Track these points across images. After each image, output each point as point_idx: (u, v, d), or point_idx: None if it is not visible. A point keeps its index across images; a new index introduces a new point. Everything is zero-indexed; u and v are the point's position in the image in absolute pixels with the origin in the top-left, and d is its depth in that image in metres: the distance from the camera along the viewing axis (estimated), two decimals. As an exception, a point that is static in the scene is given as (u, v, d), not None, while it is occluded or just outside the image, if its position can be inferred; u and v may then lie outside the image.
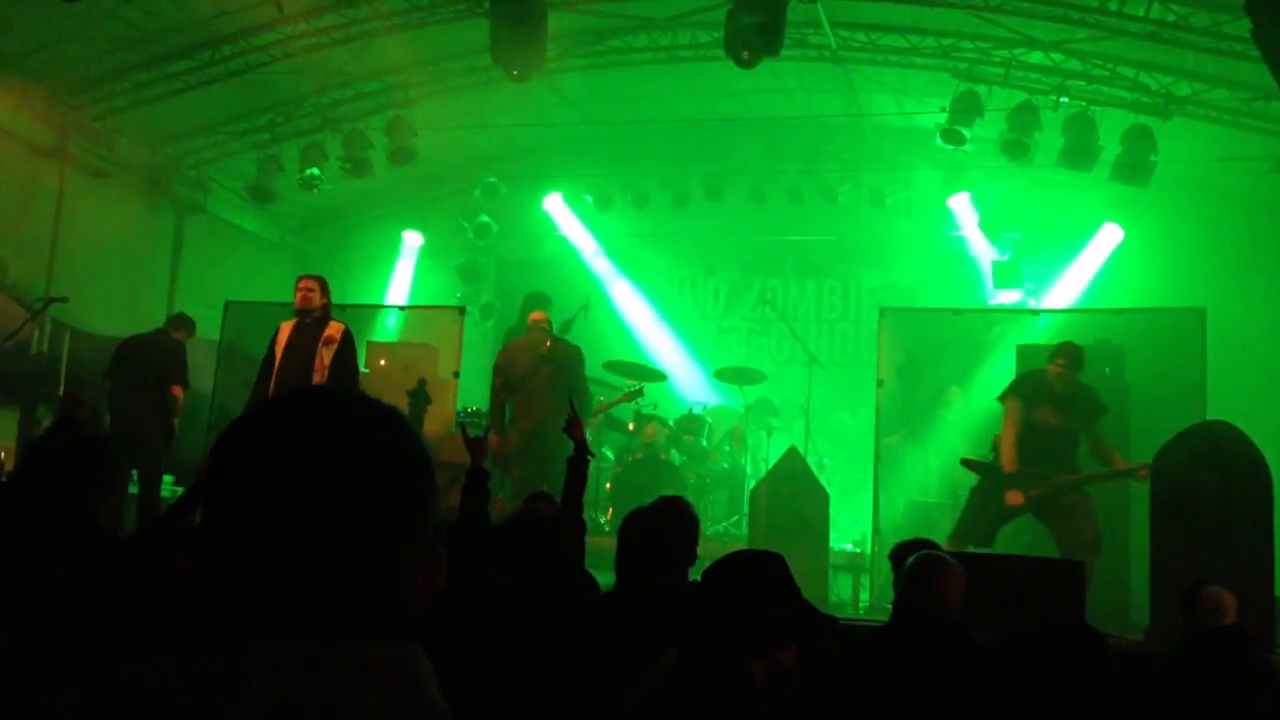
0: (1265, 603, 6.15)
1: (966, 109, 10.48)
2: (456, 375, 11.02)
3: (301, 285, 8.56)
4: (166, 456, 9.49)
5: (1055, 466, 7.81)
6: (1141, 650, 6.10)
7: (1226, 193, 11.57)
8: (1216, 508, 6.28)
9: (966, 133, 10.57)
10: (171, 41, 10.91)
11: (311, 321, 8.47)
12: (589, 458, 5.36)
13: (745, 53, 9.83)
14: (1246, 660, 4.47)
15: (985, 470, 8.03)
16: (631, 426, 11.04)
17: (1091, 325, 10.22)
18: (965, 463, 8.22)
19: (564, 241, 14.37)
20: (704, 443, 11.10)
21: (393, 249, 14.99)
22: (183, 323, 9.87)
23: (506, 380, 9.14)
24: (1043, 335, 10.47)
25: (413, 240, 14.91)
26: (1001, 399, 8.10)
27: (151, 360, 9.43)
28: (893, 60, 11.15)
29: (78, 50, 10.73)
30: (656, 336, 13.88)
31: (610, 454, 11.32)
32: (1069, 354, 7.93)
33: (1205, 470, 6.37)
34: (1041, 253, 12.68)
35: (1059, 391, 7.88)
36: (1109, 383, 9.31)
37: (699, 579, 3.74)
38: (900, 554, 4.55)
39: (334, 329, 8.50)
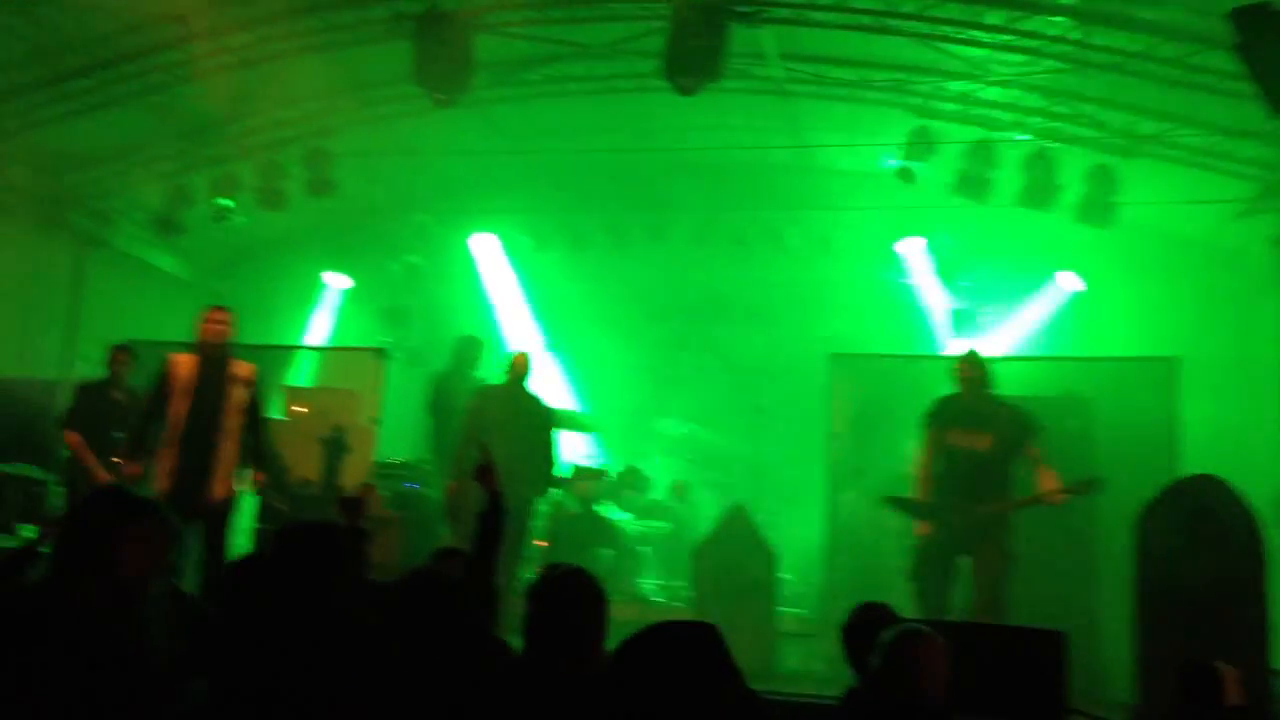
0: (1261, 676, 5.46)
1: (920, 145, 9.91)
2: (376, 422, 10.18)
3: (213, 317, 7.66)
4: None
5: (983, 494, 7.18)
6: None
7: (1189, 239, 11.10)
8: (1205, 574, 5.58)
9: (919, 170, 9.97)
10: (69, 59, 10.05)
11: (218, 359, 7.60)
12: (502, 512, 4.56)
13: (686, 79, 9.20)
14: None
15: (909, 507, 7.35)
16: (567, 479, 10.23)
17: (1056, 376, 9.69)
18: (889, 501, 7.55)
19: (496, 284, 13.61)
20: (644, 498, 10.30)
21: (316, 290, 14.13)
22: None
23: (477, 426, 8.35)
24: (1005, 385, 9.88)
25: (338, 282, 14.05)
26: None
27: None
28: (841, 94, 10.56)
29: (-36, 66, 9.86)
30: (593, 385, 13.10)
31: (543, 508, 10.50)
32: (969, 360, 7.45)
33: (1192, 533, 5.69)
34: (998, 302, 12.12)
35: (970, 407, 7.33)
36: (1075, 437, 8.76)
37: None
38: (857, 625, 3.81)
39: (244, 368, 7.64)
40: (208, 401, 7.37)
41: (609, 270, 13.20)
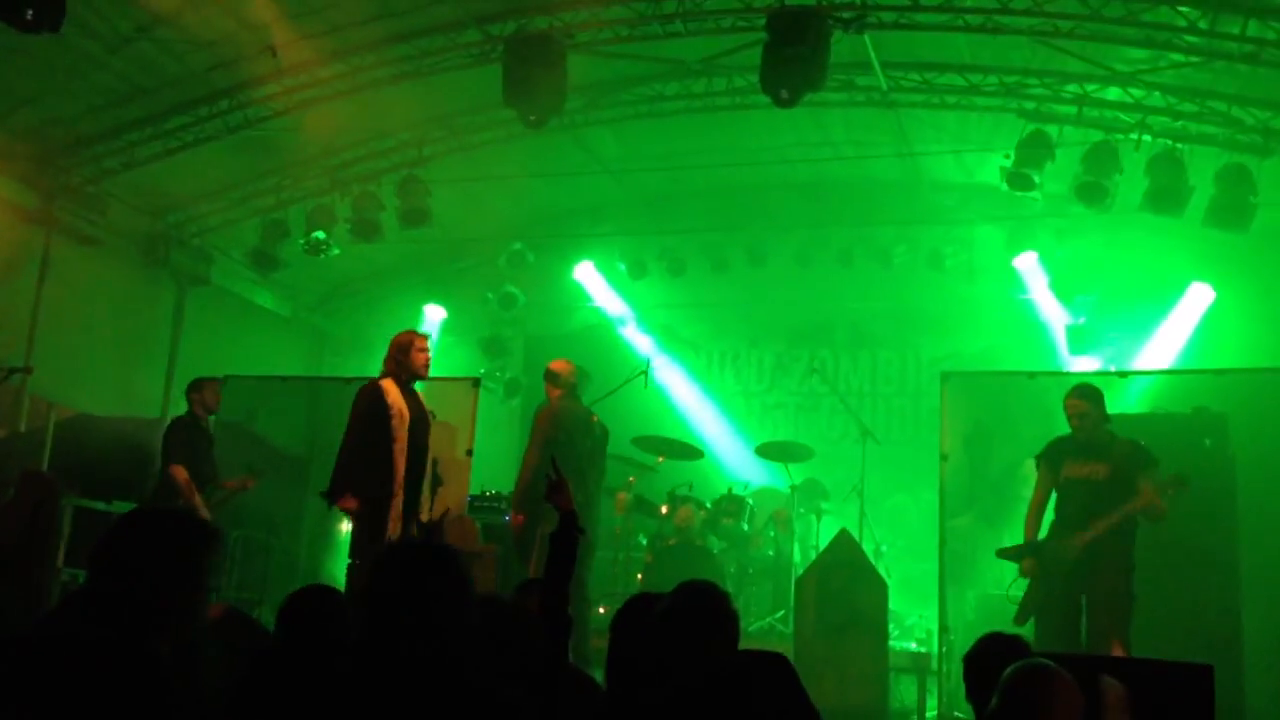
0: None
1: (1035, 150, 9.35)
2: (470, 454, 9.93)
3: (423, 344, 7.18)
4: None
5: (1093, 523, 6.66)
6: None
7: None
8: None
9: (1036, 177, 9.41)
10: (166, 97, 10.14)
11: (413, 390, 7.10)
12: (579, 535, 4.20)
13: (784, 91, 8.83)
14: None
15: (1018, 555, 6.83)
16: (665, 509, 9.85)
17: (1187, 390, 8.99)
18: (1001, 554, 7.00)
19: (596, 313, 13.35)
20: (745, 527, 9.85)
21: (415, 324, 14.04)
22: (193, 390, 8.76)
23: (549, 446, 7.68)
24: (1135, 403, 9.25)
25: (435, 314, 13.96)
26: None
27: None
28: (950, 102, 10.09)
29: (65, 107, 9.99)
30: (694, 412, 12.72)
31: (643, 540, 10.13)
32: (1081, 392, 6.92)
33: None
34: (1121, 316, 11.43)
35: (1082, 439, 6.84)
36: (1210, 455, 8.09)
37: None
38: (981, 656, 3.36)
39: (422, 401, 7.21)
40: (418, 436, 6.93)
41: (709, 294, 12.88)
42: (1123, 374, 9.55)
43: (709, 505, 9.90)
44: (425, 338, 7.28)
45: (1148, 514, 6.69)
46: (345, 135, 11.00)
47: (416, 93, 10.31)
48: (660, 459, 9.91)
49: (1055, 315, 11.62)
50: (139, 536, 2.65)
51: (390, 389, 6.90)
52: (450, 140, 11.27)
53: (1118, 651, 6.55)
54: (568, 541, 4.09)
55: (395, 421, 6.77)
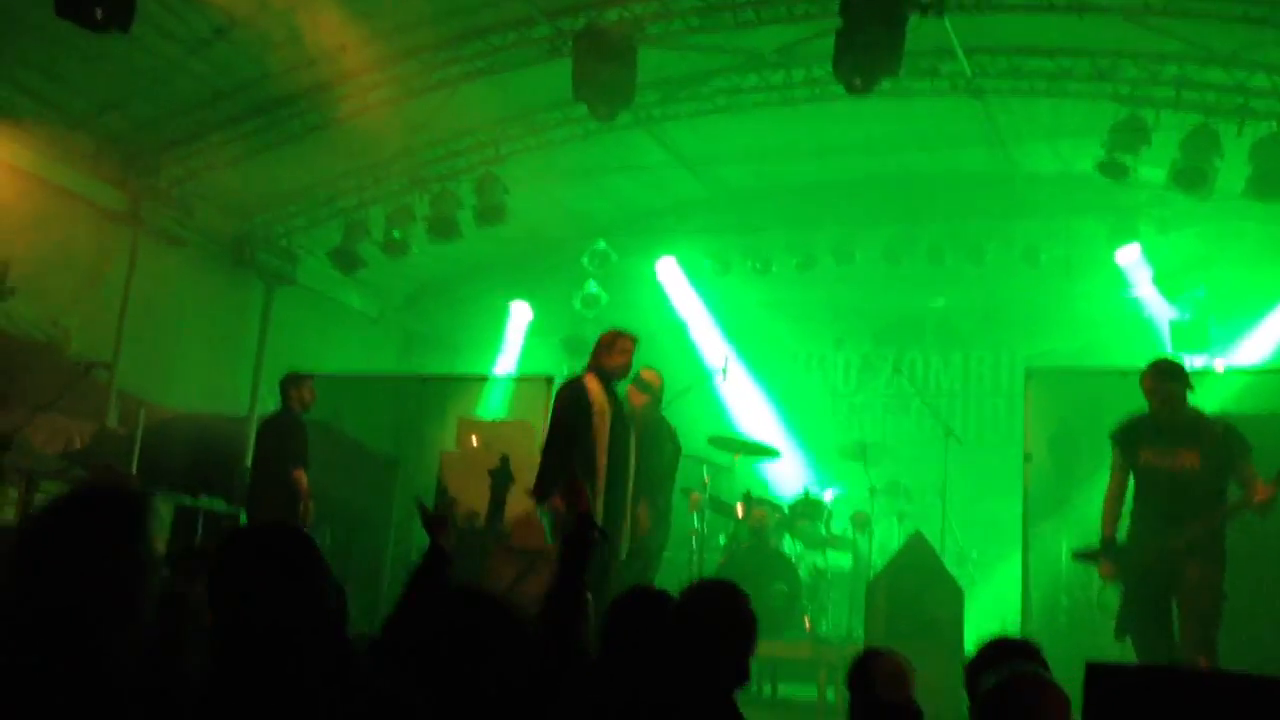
0: None
1: (1129, 136, 8.85)
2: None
3: (626, 344, 7.01)
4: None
5: (1187, 520, 6.08)
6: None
7: None
8: None
9: (1131, 163, 8.90)
10: (245, 98, 10.28)
11: (613, 392, 6.97)
12: (594, 536, 3.95)
13: (857, 78, 8.52)
14: None
15: (1095, 556, 6.34)
16: (740, 510, 9.59)
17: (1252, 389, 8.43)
18: (1078, 556, 6.55)
19: (678, 312, 13.17)
20: (822, 529, 9.54)
21: (501, 323, 14.06)
22: (291, 386, 8.82)
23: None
24: (1233, 401, 8.67)
25: (521, 313, 13.93)
26: None
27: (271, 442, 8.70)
28: (1040, 88, 9.60)
29: (149, 110, 10.20)
30: (777, 413, 12.43)
31: (722, 541, 9.89)
32: (1159, 368, 6.31)
33: None
34: (1229, 311, 10.78)
35: (1164, 422, 6.19)
36: (1315, 459, 7.51)
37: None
38: (985, 663, 3.09)
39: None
40: (620, 435, 6.81)
41: (795, 292, 12.58)
42: (1225, 371, 8.99)
43: (786, 508, 9.63)
44: (629, 338, 7.08)
45: (1260, 510, 6.00)
46: (423, 134, 11.00)
47: (492, 90, 10.28)
48: (736, 457, 9.66)
49: (1159, 311, 11.02)
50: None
51: (592, 385, 6.80)
52: (528, 138, 11.18)
53: (1204, 662, 6.09)
54: (584, 545, 3.87)
55: (597, 419, 6.64)
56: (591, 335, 13.23)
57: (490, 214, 10.87)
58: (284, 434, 8.65)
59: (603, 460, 6.60)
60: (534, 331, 13.80)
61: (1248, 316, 10.71)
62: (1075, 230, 11.31)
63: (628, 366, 6.98)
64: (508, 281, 13.93)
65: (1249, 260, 10.73)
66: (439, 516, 4.10)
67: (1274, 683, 4.60)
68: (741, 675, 3.32)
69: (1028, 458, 8.25)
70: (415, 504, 4.19)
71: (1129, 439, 6.42)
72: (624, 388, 7.33)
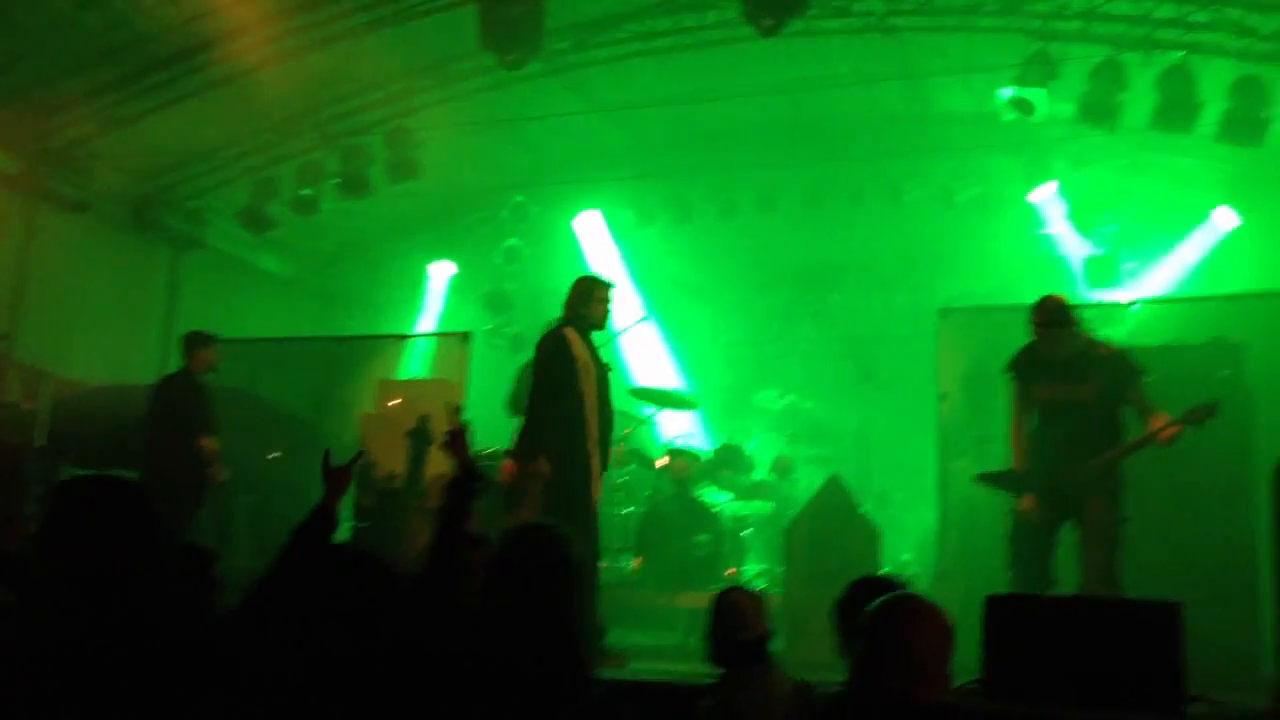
0: None
1: (1039, 70, 8.82)
2: (459, 411, 9.67)
3: (604, 293, 6.74)
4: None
5: (1088, 451, 6.21)
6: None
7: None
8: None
9: (1039, 101, 8.89)
10: (142, 53, 9.90)
11: (591, 343, 6.67)
12: (476, 486, 3.83)
13: (767, 18, 8.43)
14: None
15: (1003, 481, 6.44)
16: (662, 462, 9.54)
17: (1201, 319, 8.53)
18: (981, 479, 6.65)
19: (599, 264, 13.03)
20: (744, 478, 9.53)
21: (421, 282, 13.83)
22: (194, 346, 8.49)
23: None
24: (1144, 335, 8.78)
25: (443, 271, 13.70)
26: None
27: (166, 405, 8.34)
28: (951, 24, 9.55)
29: (41, 70, 9.79)
30: (696, 360, 12.37)
31: (647, 493, 9.84)
32: (1042, 309, 6.42)
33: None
34: (1144, 247, 10.87)
35: (1052, 356, 6.36)
36: (1227, 388, 7.62)
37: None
38: (853, 602, 3.07)
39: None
40: (604, 389, 6.55)
41: (716, 240, 12.47)
42: (1129, 304, 9.08)
43: (708, 457, 9.59)
44: (607, 286, 6.78)
45: (1166, 443, 6.18)
46: (330, 89, 10.72)
47: (399, 41, 10.01)
48: (653, 411, 9.59)
49: (1074, 248, 11.08)
50: None
51: (573, 338, 6.48)
52: (439, 89, 10.91)
53: (1107, 589, 6.15)
54: (464, 496, 3.74)
55: (582, 373, 6.38)
56: (514, 290, 13.20)
57: (402, 169, 10.63)
58: (181, 397, 8.36)
59: (592, 417, 6.36)
60: (455, 289, 13.59)
61: (1158, 249, 10.80)
62: (991, 169, 11.33)
63: (606, 317, 6.69)
64: (428, 240, 13.69)
65: (1159, 193, 10.82)
66: (339, 470, 3.90)
67: (1149, 606, 4.69)
68: (572, 623, 3.11)
69: (942, 397, 8.29)
70: (321, 459, 4.00)
71: (1024, 372, 6.56)
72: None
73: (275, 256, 13.07)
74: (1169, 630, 4.33)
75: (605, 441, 6.52)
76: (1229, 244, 10.40)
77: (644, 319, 10.11)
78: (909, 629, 2.52)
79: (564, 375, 6.37)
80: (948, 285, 11.46)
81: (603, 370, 6.61)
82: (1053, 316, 6.41)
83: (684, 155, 12.38)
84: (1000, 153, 11.12)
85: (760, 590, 3.81)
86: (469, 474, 3.77)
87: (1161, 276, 10.58)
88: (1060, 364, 6.34)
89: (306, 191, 10.76)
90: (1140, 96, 8.74)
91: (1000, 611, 4.62)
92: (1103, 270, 10.57)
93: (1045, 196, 11.05)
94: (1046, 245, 11.21)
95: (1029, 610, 4.72)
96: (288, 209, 11.26)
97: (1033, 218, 11.22)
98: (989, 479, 6.68)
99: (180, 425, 8.20)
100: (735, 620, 3.85)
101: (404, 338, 11.14)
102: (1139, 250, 10.76)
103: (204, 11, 9.45)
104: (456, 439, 3.92)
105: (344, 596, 2.61)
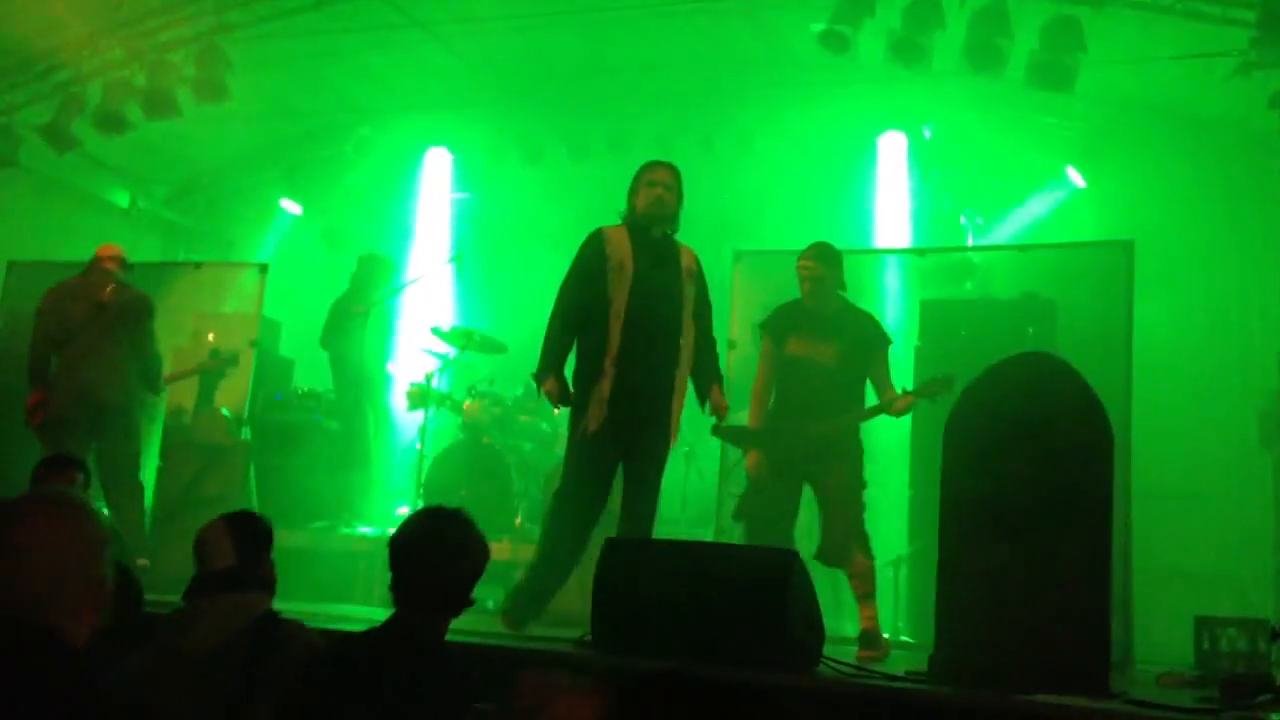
0: (1098, 635, 3.98)
1: (854, 7, 8.37)
2: (253, 345, 9.23)
3: (655, 175, 5.75)
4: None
5: (824, 413, 6.04)
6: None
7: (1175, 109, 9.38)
8: (1030, 490, 4.13)
9: (850, 34, 8.44)
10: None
11: (661, 241, 5.68)
12: None
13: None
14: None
15: (735, 436, 6.22)
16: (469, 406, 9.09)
17: (1012, 274, 8.26)
18: (716, 432, 6.34)
19: (449, 200, 12.56)
20: (545, 425, 9.12)
21: (270, 216, 13.29)
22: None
23: (49, 331, 7.32)
24: (980, 286, 8.53)
25: (291, 208, 13.15)
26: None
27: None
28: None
29: None
30: (516, 305, 11.90)
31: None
32: (815, 251, 6.24)
33: (1013, 429, 4.24)
34: (989, 202, 10.49)
35: (812, 308, 6.16)
36: (1032, 343, 7.40)
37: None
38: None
39: (689, 255, 5.83)
40: (652, 301, 5.49)
41: (568, 183, 11.96)
42: (920, 252, 8.73)
43: (509, 402, 9.17)
44: (661, 169, 5.77)
45: (896, 413, 6.17)
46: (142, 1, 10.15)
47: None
48: (451, 352, 9.14)
49: (904, 198, 10.69)
50: None
51: (615, 237, 5.60)
52: (258, 5, 10.32)
53: (860, 558, 5.95)
54: None
55: (613, 275, 5.45)
56: (356, 226, 12.66)
57: (209, 90, 10.01)
58: None
59: (615, 329, 5.38)
60: (300, 223, 13.05)
61: (1003, 204, 10.44)
62: (842, 115, 10.95)
63: (656, 203, 5.63)
64: (276, 173, 13.10)
65: (1013, 149, 10.45)
66: None
67: (765, 554, 4.34)
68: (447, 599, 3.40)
69: (732, 345, 7.90)
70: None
71: (779, 328, 6.32)
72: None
73: (111, 183, 12.49)
74: (779, 584, 3.95)
75: (639, 360, 5.45)
76: (1071, 204, 10.04)
77: (454, 258, 9.71)
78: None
79: (584, 280, 5.59)
80: (784, 234, 11.06)
81: (663, 273, 5.59)
82: (822, 258, 6.24)
83: (535, 93, 11.90)
84: (855, 99, 10.73)
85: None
86: None
87: (1002, 233, 10.20)
88: (814, 319, 6.17)
89: (110, 108, 10.13)
90: (956, 37, 8.28)
91: (615, 555, 4.25)
92: (943, 221, 10.20)
93: (892, 145, 10.64)
94: (891, 193, 10.80)
95: (643, 555, 4.35)
96: (134, 134, 10.63)
97: (881, 164, 10.82)
98: (722, 432, 6.41)
99: None
100: (199, 554, 3.59)
101: (198, 266, 10.50)
102: (983, 205, 10.37)
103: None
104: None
105: None
